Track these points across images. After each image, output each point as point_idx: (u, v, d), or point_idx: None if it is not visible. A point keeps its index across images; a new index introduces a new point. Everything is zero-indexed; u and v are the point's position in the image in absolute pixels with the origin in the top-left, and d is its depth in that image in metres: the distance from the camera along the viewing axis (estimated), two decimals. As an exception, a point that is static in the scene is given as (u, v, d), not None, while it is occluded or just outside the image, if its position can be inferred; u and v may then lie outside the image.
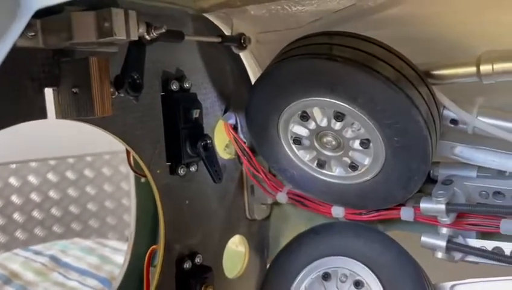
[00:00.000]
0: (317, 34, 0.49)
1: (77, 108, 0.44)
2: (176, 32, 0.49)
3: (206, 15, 0.57)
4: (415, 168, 0.48)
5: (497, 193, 0.49)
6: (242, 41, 0.59)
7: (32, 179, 2.23)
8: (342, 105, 0.47)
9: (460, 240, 0.51)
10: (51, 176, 2.27)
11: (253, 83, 0.65)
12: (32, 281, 1.16)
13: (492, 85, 0.47)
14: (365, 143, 0.49)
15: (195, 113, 0.57)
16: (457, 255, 0.51)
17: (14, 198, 2.20)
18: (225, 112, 0.64)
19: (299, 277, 0.57)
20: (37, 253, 1.32)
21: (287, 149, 0.55)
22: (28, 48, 0.40)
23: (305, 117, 0.51)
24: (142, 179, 0.69)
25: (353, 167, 0.52)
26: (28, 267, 1.22)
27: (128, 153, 0.63)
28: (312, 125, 0.51)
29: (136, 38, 0.42)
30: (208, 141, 0.57)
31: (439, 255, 0.51)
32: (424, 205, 0.49)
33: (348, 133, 0.49)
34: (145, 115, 0.53)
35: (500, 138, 0.47)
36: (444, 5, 0.47)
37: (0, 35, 0.30)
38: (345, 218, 0.57)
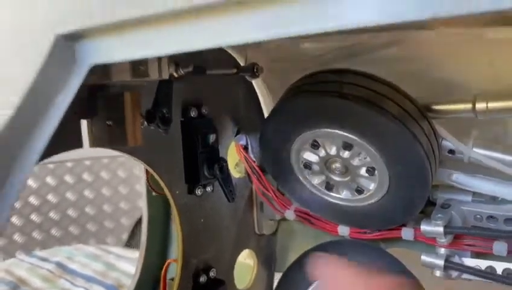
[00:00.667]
0: (327, 71, 0.53)
1: (110, 139, 0.48)
2: (199, 68, 0.53)
3: (224, 47, 0.61)
4: (416, 194, 0.53)
5: (490, 217, 0.54)
6: (255, 70, 0.63)
7: (31, 182, 2.24)
8: (351, 137, 0.51)
9: (456, 259, 0.55)
10: (49, 180, 2.29)
11: (264, 111, 0.69)
12: (40, 287, 1.18)
13: (485, 119, 0.52)
14: (371, 171, 0.53)
15: (212, 138, 0.61)
16: (454, 273, 0.56)
17: (13, 201, 2.20)
18: (237, 134, 0.68)
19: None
20: (42, 259, 1.35)
21: (297, 173, 0.59)
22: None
23: (315, 146, 0.55)
24: (154, 193, 0.72)
25: (359, 191, 0.56)
26: (34, 273, 1.25)
27: (147, 171, 0.67)
28: (322, 153, 0.55)
29: (167, 78, 0.46)
30: (224, 164, 0.62)
31: (438, 273, 0.56)
32: (424, 227, 0.54)
33: (355, 161, 0.54)
34: (168, 141, 0.57)
35: (492, 167, 0.52)
36: (440, 47, 0.52)
37: (60, 88, 0.34)
38: (349, 236, 0.62)
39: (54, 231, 2.28)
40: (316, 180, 0.59)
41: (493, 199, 0.55)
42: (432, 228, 0.53)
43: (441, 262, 0.55)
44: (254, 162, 0.68)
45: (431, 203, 0.58)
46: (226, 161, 0.63)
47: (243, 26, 0.27)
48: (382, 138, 0.50)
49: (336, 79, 0.51)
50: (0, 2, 0.34)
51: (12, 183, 0.33)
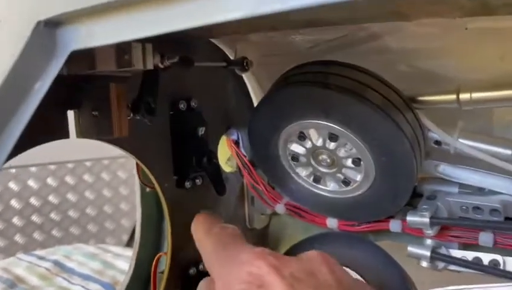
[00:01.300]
0: (314, 63, 0.54)
1: (97, 130, 0.49)
2: (186, 59, 0.54)
3: (213, 40, 0.62)
4: (402, 185, 0.53)
5: (477, 208, 0.54)
6: (245, 64, 0.63)
7: (31, 183, 2.25)
8: (336, 128, 0.51)
9: (443, 250, 0.56)
10: (50, 181, 2.30)
11: (255, 105, 0.70)
12: (37, 285, 1.19)
13: (471, 110, 0.52)
14: (357, 162, 0.54)
15: (201, 131, 0.62)
16: (441, 265, 0.56)
17: (14, 202, 2.23)
18: (227, 128, 0.68)
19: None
20: (40, 258, 1.36)
21: (286, 166, 0.60)
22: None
23: (302, 137, 0.55)
24: (147, 189, 0.73)
25: (346, 182, 0.57)
26: (32, 271, 1.26)
27: (137, 166, 0.67)
28: (309, 144, 0.56)
29: (152, 68, 0.47)
30: (213, 156, 0.62)
31: (424, 264, 0.56)
32: (410, 218, 0.54)
33: (341, 152, 0.54)
34: (155, 133, 0.58)
35: (478, 158, 0.52)
36: (427, 40, 0.52)
37: (39, 75, 0.35)
38: (338, 229, 0.62)
39: (55, 232, 2.29)
40: (304, 173, 0.59)
41: (480, 190, 0.55)
42: (418, 218, 0.54)
43: (427, 253, 0.55)
44: (245, 156, 0.68)
45: (418, 195, 0.58)
46: (215, 154, 0.63)
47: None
48: (366, 128, 0.50)
49: (321, 70, 0.52)
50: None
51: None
